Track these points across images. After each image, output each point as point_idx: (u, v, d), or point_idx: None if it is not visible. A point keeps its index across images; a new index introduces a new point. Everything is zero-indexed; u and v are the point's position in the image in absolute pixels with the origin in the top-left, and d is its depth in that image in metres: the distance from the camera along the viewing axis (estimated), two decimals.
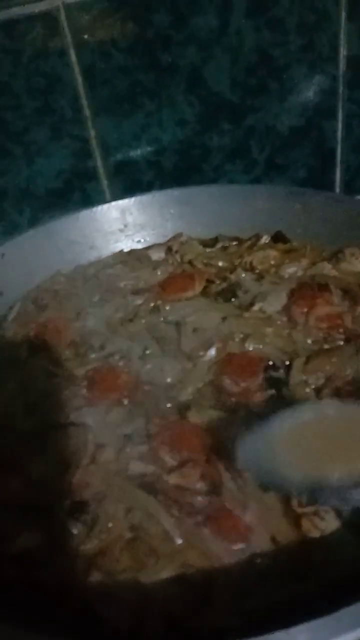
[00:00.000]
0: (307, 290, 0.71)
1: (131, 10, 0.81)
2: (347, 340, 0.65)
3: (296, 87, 0.92)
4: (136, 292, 0.78)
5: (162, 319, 0.72)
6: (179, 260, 0.83)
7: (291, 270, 0.77)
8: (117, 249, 0.87)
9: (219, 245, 0.85)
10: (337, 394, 0.58)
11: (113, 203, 0.87)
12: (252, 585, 0.47)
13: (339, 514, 0.49)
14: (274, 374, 0.62)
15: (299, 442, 0.47)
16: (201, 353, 0.66)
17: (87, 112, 0.87)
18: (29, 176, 0.90)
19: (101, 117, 0.88)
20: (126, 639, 0.44)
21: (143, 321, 0.72)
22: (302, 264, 0.77)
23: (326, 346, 0.65)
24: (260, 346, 0.66)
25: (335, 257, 0.78)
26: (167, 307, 0.74)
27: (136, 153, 0.92)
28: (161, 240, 0.87)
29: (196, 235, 0.86)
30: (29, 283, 0.81)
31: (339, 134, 0.98)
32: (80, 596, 0.47)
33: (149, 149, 0.92)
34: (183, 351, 0.67)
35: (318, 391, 0.59)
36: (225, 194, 0.86)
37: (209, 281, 0.77)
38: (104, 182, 0.94)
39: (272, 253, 0.80)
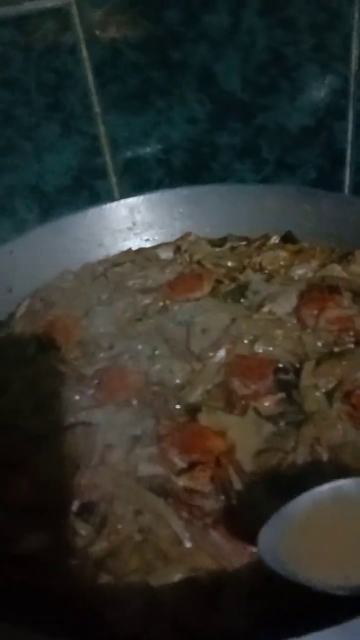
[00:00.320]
0: (317, 293, 0.71)
1: (143, 7, 0.81)
2: (358, 344, 0.65)
3: (307, 86, 0.91)
4: (144, 291, 0.77)
5: (170, 319, 0.72)
6: (187, 259, 0.83)
7: (301, 271, 0.77)
8: (125, 248, 0.87)
9: (227, 245, 0.85)
10: (348, 398, 0.58)
11: (122, 201, 0.87)
12: (261, 590, 0.46)
13: None
14: (283, 376, 0.62)
15: (317, 533, 0.45)
16: (210, 354, 0.66)
17: (97, 108, 0.87)
18: (38, 173, 0.90)
19: (111, 114, 0.87)
20: None
21: (152, 321, 0.72)
22: (312, 266, 0.77)
23: (336, 349, 0.65)
24: (270, 348, 0.65)
25: (345, 259, 0.77)
26: (176, 307, 0.73)
27: (146, 151, 0.92)
28: (169, 239, 0.87)
29: (205, 235, 0.86)
30: (37, 280, 0.80)
31: (349, 134, 0.97)
32: (87, 599, 0.47)
33: (158, 146, 0.92)
34: (192, 352, 0.66)
35: (329, 395, 0.59)
36: (235, 193, 0.86)
37: (218, 281, 0.77)
38: (113, 180, 0.93)
39: (282, 254, 0.80)
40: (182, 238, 0.86)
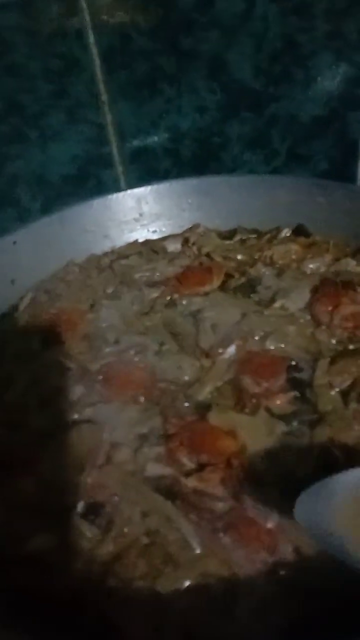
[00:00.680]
0: (331, 288, 0.69)
1: None
2: None
3: (321, 75, 0.89)
4: (152, 284, 0.75)
5: (179, 313, 0.70)
6: (195, 252, 0.81)
7: (314, 265, 0.74)
8: (132, 239, 0.85)
9: (237, 237, 0.82)
10: None
11: (128, 191, 0.85)
12: (275, 598, 0.45)
13: None
14: (297, 374, 0.60)
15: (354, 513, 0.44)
16: (220, 350, 0.63)
17: (104, 96, 0.85)
18: (42, 162, 0.88)
19: (118, 102, 0.85)
20: None
21: (159, 315, 0.70)
22: (325, 260, 0.75)
23: (351, 347, 0.63)
24: (282, 345, 0.63)
25: (359, 253, 0.75)
26: (184, 302, 0.71)
27: (153, 140, 0.90)
28: (177, 231, 0.85)
29: (214, 227, 0.84)
30: (41, 272, 0.78)
31: None
32: (95, 603, 0.46)
33: (166, 136, 0.90)
34: (201, 348, 0.64)
35: (344, 395, 0.57)
36: (245, 184, 0.84)
37: (228, 275, 0.75)
38: (120, 169, 0.91)
39: (294, 247, 0.78)
40: (190, 230, 0.84)
